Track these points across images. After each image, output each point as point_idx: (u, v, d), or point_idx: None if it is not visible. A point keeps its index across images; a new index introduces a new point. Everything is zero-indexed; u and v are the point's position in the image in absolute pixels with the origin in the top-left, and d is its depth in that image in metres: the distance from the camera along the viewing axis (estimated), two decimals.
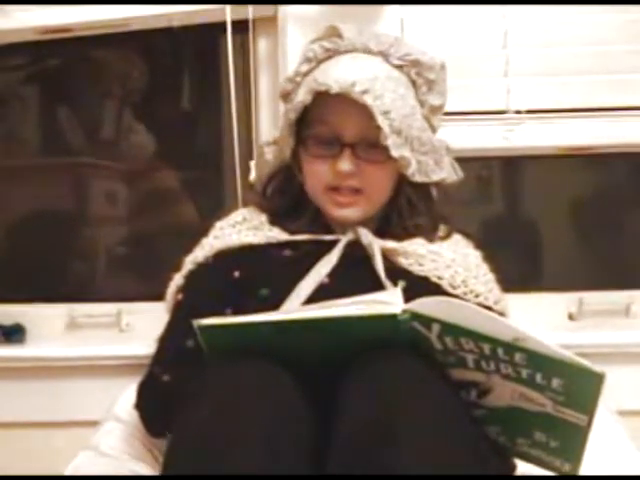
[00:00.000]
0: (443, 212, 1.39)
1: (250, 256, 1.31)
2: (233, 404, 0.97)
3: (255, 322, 1.02)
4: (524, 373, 0.96)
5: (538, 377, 0.95)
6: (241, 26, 1.70)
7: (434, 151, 1.32)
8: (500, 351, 0.95)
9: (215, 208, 1.82)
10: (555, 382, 0.94)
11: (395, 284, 1.22)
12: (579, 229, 1.88)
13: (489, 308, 1.26)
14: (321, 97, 1.24)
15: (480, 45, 1.71)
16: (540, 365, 0.94)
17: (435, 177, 1.32)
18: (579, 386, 0.93)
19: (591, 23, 1.69)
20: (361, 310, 1.00)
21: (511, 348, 0.94)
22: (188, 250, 1.37)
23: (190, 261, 1.35)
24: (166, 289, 1.37)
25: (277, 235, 1.32)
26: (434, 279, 1.28)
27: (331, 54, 1.31)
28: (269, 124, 1.74)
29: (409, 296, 1.00)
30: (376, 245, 1.28)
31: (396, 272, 1.26)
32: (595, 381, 0.91)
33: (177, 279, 1.36)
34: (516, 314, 1.36)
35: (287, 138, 1.31)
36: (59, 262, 1.93)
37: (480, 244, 1.41)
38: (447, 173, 1.35)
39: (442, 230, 1.37)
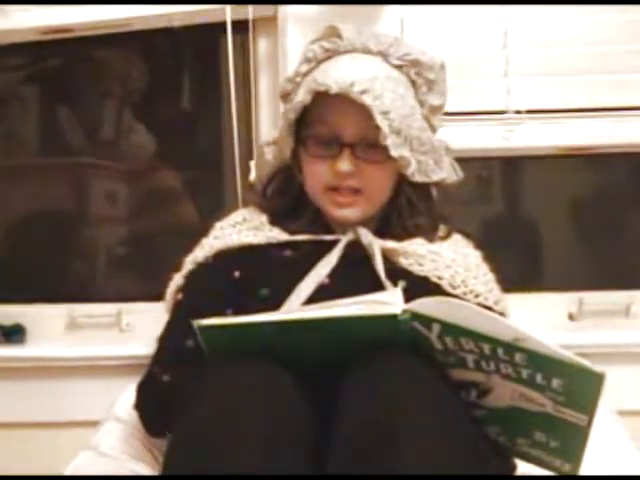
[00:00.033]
0: (443, 212, 1.39)
1: (250, 256, 1.31)
2: (233, 404, 0.97)
3: (255, 322, 1.02)
4: (524, 373, 0.96)
5: (538, 377, 0.95)
6: (241, 26, 1.70)
7: (434, 151, 1.32)
8: (500, 351, 0.95)
9: (215, 208, 1.82)
10: (555, 382, 0.94)
11: (395, 284, 1.22)
12: (579, 229, 1.88)
13: (489, 308, 1.26)
14: (320, 97, 1.24)
15: (480, 45, 1.71)
16: (540, 365, 0.94)
17: (435, 177, 1.32)
18: (579, 386, 0.93)
19: (591, 23, 1.69)
20: (361, 310, 1.00)
21: (511, 348, 0.94)
22: (188, 250, 1.37)
23: (190, 261, 1.35)
24: (166, 289, 1.37)
25: (277, 235, 1.32)
26: (434, 279, 1.28)
27: (330, 54, 1.31)
28: (269, 124, 1.74)
29: (409, 296, 1.00)
30: (376, 245, 1.28)
31: (396, 272, 1.26)
32: (595, 381, 0.91)
33: (177, 279, 1.36)
34: (516, 314, 1.36)
35: (287, 138, 1.31)
36: (59, 262, 1.93)
37: (480, 244, 1.41)
38: (447, 173, 1.35)
39: (442, 230, 1.37)
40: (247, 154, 1.74)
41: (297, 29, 1.64)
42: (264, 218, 1.36)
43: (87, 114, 1.91)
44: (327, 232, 1.32)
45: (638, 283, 1.79)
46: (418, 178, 1.29)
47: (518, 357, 0.94)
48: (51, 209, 1.93)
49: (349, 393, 0.99)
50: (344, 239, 1.30)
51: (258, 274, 1.28)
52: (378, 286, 1.22)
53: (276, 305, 1.20)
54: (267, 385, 0.99)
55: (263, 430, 0.94)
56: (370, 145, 1.25)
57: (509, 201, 1.92)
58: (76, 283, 1.94)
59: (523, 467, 1.11)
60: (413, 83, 1.32)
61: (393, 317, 0.98)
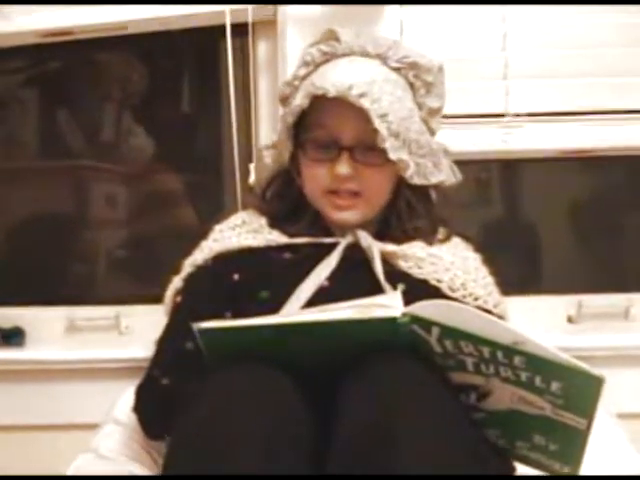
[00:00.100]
0: (442, 215, 1.39)
1: (250, 259, 1.31)
2: (233, 406, 0.97)
3: (255, 325, 1.02)
4: (523, 376, 0.96)
5: (537, 380, 0.95)
6: (240, 29, 1.70)
7: (432, 153, 1.32)
8: (499, 354, 0.95)
9: (215, 211, 1.82)
10: (554, 385, 0.94)
11: (394, 287, 1.22)
12: (578, 232, 1.88)
13: (488, 311, 1.26)
14: (319, 101, 1.24)
15: (479, 47, 1.71)
16: (539, 368, 0.94)
17: (434, 179, 1.32)
18: (578, 389, 0.93)
19: (590, 26, 1.69)
20: (361, 313, 1.00)
21: (510, 351, 0.94)
22: (187, 253, 1.37)
23: (189, 264, 1.35)
24: (165, 292, 1.37)
25: (277, 238, 1.32)
26: (433, 282, 1.28)
27: (329, 57, 1.31)
28: (269, 127, 1.74)
29: (408, 299, 1.00)
30: (375, 248, 1.28)
31: (395, 275, 1.26)
32: (594, 385, 0.91)
33: (176, 282, 1.36)
34: (515, 317, 1.36)
35: (285, 142, 1.31)
36: (59, 265, 1.93)
37: (479, 247, 1.41)
38: (446, 175, 1.35)
39: (441, 233, 1.37)
40: (247, 157, 1.74)
41: (296, 32, 1.64)
42: (263, 221, 1.36)
43: (87, 117, 1.91)
44: (326, 235, 1.32)
45: (637, 286, 1.80)
46: (417, 181, 1.29)
47: (517, 360, 0.94)
48: (51, 212, 1.93)
49: (349, 396, 0.99)
50: (343, 242, 1.30)
51: (257, 277, 1.28)
52: (377, 289, 1.22)
53: (275, 308, 1.20)
54: (266, 387, 0.99)
55: (263, 431, 0.94)
56: (369, 148, 1.25)
57: (508, 204, 1.92)
58: (75, 286, 1.94)
59: (523, 468, 1.11)
60: (411, 86, 1.32)
61: (392, 320, 0.98)
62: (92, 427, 1.43)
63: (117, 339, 1.81)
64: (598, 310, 1.76)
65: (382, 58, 1.30)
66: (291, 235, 1.32)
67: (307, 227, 1.33)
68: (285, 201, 1.37)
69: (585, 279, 1.85)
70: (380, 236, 1.31)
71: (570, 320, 1.77)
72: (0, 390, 1.77)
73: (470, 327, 0.95)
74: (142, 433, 1.30)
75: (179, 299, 1.33)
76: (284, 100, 1.37)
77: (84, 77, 1.89)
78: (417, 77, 1.32)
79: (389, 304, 1.01)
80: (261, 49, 1.75)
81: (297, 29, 1.64)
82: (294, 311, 1.19)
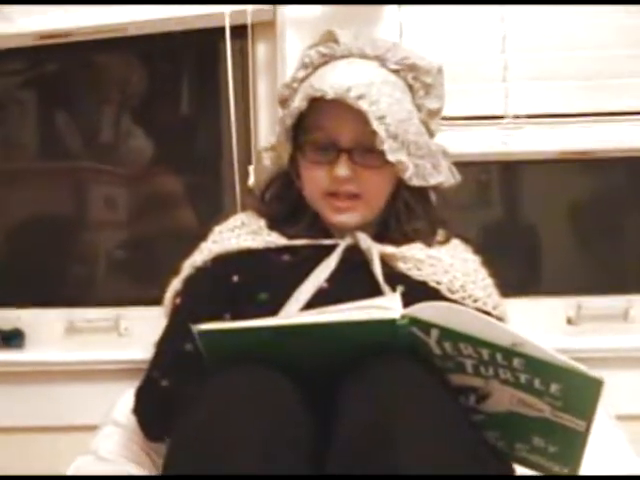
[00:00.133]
0: (442, 216, 1.39)
1: (249, 261, 1.31)
2: (232, 408, 0.97)
3: (254, 327, 1.02)
4: (522, 378, 0.96)
5: (536, 382, 0.95)
6: (240, 31, 1.70)
7: (431, 155, 1.32)
8: (499, 356, 0.95)
9: (214, 213, 1.82)
10: (553, 387, 0.94)
11: (394, 289, 1.22)
12: (578, 234, 1.88)
13: (488, 313, 1.26)
14: (317, 103, 1.24)
15: (478, 49, 1.71)
16: (538, 370, 0.94)
17: (433, 181, 1.32)
18: (577, 392, 0.93)
19: (590, 27, 1.69)
20: (360, 315, 1.00)
21: (509, 353, 0.94)
22: (187, 255, 1.37)
23: (189, 265, 1.35)
24: (165, 294, 1.38)
25: (276, 240, 1.32)
26: (432, 284, 1.28)
27: (327, 59, 1.31)
28: (268, 129, 1.73)
29: (408, 301, 1.00)
30: (374, 250, 1.28)
31: (395, 277, 1.26)
32: (593, 387, 0.91)
33: (175, 283, 1.36)
34: (515, 319, 1.35)
35: (284, 144, 1.31)
36: (58, 267, 1.93)
37: (479, 249, 1.41)
38: (445, 177, 1.35)
39: (441, 235, 1.37)
40: (246, 159, 1.74)
41: (295, 34, 1.64)
42: (262, 223, 1.36)
43: (86, 119, 1.91)
44: (326, 237, 1.32)
45: (636, 287, 1.80)
46: (416, 182, 1.29)
47: (516, 362, 0.94)
48: (50, 213, 1.93)
49: (348, 397, 0.99)
50: (343, 244, 1.30)
51: (257, 278, 1.28)
52: (376, 291, 1.22)
53: (275, 310, 1.20)
54: (265, 389, 0.99)
55: (261, 434, 0.94)
56: (367, 150, 1.25)
57: (508, 206, 1.92)
58: (75, 287, 1.94)
59: (521, 470, 1.11)
60: (410, 87, 1.32)
61: (392, 322, 0.98)
62: (91, 429, 1.43)
63: (116, 341, 1.81)
64: (597, 312, 1.76)
65: (381, 60, 1.30)
66: (290, 237, 1.32)
67: (306, 229, 1.33)
68: (284, 203, 1.37)
69: (584, 281, 1.85)
70: (379, 238, 1.31)
71: (569, 322, 1.77)
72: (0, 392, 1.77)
73: (469, 329, 0.95)
74: (141, 435, 1.30)
75: (178, 301, 1.33)
76: (283, 102, 1.37)
77: (83, 79, 1.89)
78: (416, 79, 1.32)
79: (388, 306, 1.01)
80: (260, 51, 1.75)
81: (296, 31, 1.65)
82: (293, 313, 1.19)
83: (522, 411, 0.99)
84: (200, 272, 1.33)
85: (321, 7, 1.65)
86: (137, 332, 1.80)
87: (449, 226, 1.39)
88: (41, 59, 1.87)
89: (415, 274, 1.29)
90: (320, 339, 1.02)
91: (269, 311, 1.14)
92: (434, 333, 0.98)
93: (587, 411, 0.94)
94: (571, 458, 1.00)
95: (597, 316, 1.76)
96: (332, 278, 1.26)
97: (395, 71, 1.30)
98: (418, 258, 1.29)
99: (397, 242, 1.31)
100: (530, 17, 1.70)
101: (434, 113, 1.35)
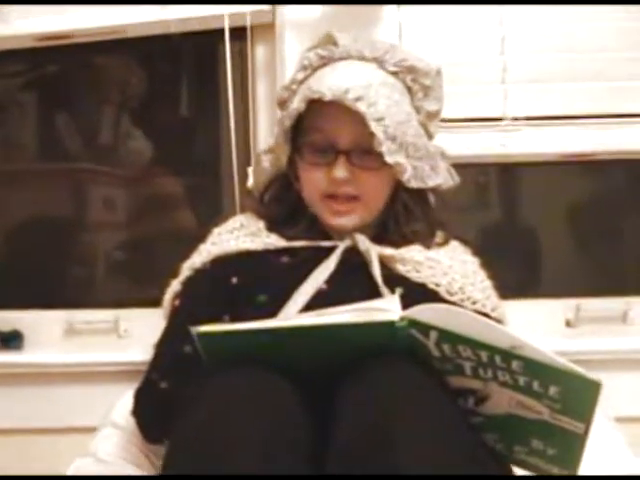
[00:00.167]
0: (440, 218, 1.39)
1: (248, 262, 1.31)
2: (231, 410, 0.97)
3: (253, 329, 1.02)
4: (521, 381, 0.96)
5: (535, 385, 0.95)
6: (239, 33, 1.71)
7: (429, 157, 1.32)
8: (497, 359, 0.95)
9: (213, 214, 1.82)
10: (552, 390, 0.94)
11: (392, 291, 1.22)
12: (576, 236, 1.88)
13: (486, 315, 1.27)
14: (316, 105, 1.24)
15: (477, 51, 1.71)
16: (537, 373, 0.94)
17: (431, 182, 1.32)
18: (576, 394, 0.93)
19: (589, 30, 1.70)
20: (359, 317, 1.00)
21: (508, 355, 0.94)
22: (186, 256, 1.37)
23: (187, 267, 1.35)
24: (164, 295, 1.38)
25: (275, 241, 1.32)
26: (431, 286, 1.28)
27: (326, 61, 1.32)
28: (267, 131, 1.74)
29: (406, 303, 1.00)
30: (373, 252, 1.28)
31: (393, 279, 1.26)
32: (592, 389, 0.91)
33: (174, 285, 1.36)
34: (514, 321, 1.36)
35: (283, 146, 1.31)
36: (57, 268, 1.93)
37: (477, 251, 1.41)
38: (443, 179, 1.35)
39: (439, 237, 1.37)
40: (245, 161, 1.74)
41: (295, 36, 1.65)
42: (261, 224, 1.36)
43: (86, 120, 1.91)
44: (324, 238, 1.32)
45: (635, 289, 1.80)
46: (414, 184, 1.29)
47: (515, 364, 0.94)
48: (49, 215, 1.94)
49: (347, 399, 0.99)
50: (342, 245, 1.30)
51: (256, 280, 1.28)
52: (375, 293, 1.22)
53: (274, 311, 1.20)
54: (264, 391, 0.99)
55: (261, 434, 0.94)
56: (365, 152, 1.25)
57: (506, 208, 1.92)
58: (74, 289, 1.94)
59: (520, 472, 1.11)
60: (409, 89, 1.32)
61: (390, 324, 0.98)
62: (91, 430, 1.43)
63: (116, 342, 1.81)
64: (596, 314, 1.76)
65: (379, 62, 1.30)
66: (289, 238, 1.32)
67: (305, 230, 1.33)
68: (283, 204, 1.38)
69: (583, 283, 1.85)
70: (378, 239, 1.32)
71: (568, 324, 1.77)
72: None
73: (468, 331, 0.95)
74: (141, 437, 1.30)
75: (177, 302, 1.33)
76: (282, 104, 1.37)
77: (83, 80, 1.89)
78: (415, 81, 1.32)
79: (387, 308, 1.01)
80: (259, 53, 1.76)
81: (295, 33, 1.65)
82: (292, 315, 1.19)
83: (521, 413, 0.99)
84: (199, 274, 1.34)
85: (320, 9, 1.65)
86: (136, 334, 1.80)
87: (448, 228, 1.39)
88: (41, 61, 1.87)
89: (414, 276, 1.29)
90: (319, 341, 1.02)
91: (268, 313, 1.14)
92: (433, 335, 0.98)
93: (586, 413, 0.94)
94: (570, 460, 1.00)
95: (596, 318, 1.76)
96: (331, 280, 1.26)
97: (394, 73, 1.31)
98: (417, 260, 1.29)
99: (396, 244, 1.31)
100: (529, 19, 1.71)
101: (433, 115, 1.35)
